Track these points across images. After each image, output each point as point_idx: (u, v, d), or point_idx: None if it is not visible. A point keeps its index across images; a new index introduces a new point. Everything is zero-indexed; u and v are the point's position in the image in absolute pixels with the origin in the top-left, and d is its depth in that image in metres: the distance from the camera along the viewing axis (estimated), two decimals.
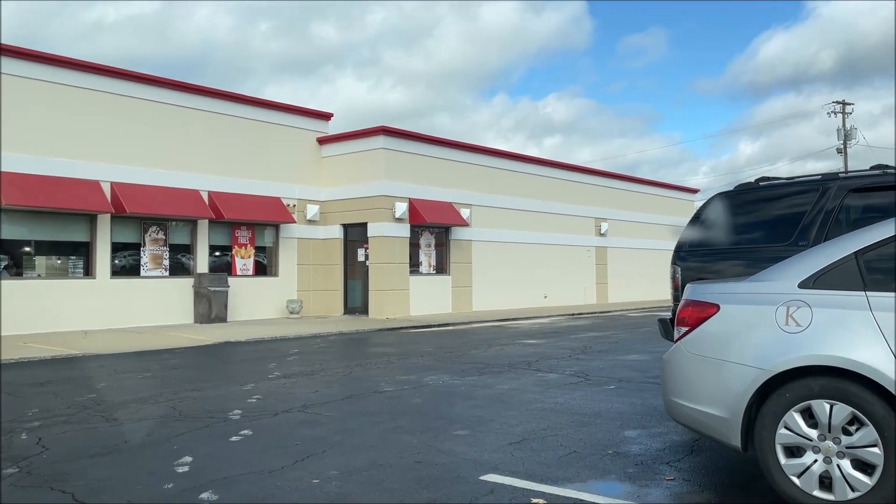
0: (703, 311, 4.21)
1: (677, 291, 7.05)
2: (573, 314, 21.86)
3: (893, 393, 3.42)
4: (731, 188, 7.38)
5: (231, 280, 18.06)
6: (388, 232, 19.67)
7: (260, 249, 19.66)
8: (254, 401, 7.40)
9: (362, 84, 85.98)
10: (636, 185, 31.12)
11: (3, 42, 14.83)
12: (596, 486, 4.39)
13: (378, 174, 19.78)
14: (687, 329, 4.27)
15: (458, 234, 22.04)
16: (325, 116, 21.30)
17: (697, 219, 7.40)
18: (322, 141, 20.96)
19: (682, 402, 4.26)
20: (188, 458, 5.07)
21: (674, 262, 7.33)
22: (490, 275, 23.00)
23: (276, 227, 19.75)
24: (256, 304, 19.06)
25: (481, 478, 4.56)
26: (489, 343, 13.36)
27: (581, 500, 4.12)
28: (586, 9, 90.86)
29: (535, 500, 4.10)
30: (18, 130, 14.76)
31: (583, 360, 10.60)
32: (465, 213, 21.88)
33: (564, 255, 26.28)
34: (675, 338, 4.40)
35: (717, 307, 4.14)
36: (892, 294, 3.60)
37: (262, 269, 19.68)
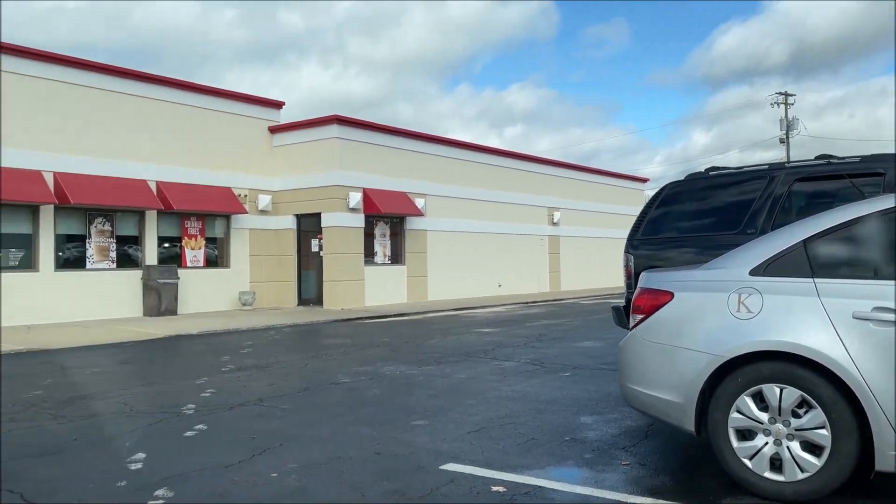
0: (658, 299, 4.29)
1: (630, 279, 7.18)
2: (527, 302, 22.07)
3: (840, 376, 3.55)
4: (682, 177, 7.52)
5: (181, 272, 17.67)
6: (343, 222, 19.50)
7: (211, 240, 19.26)
8: (207, 395, 7.26)
9: (326, 72, 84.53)
10: (588, 175, 31.52)
11: None
12: (554, 473, 4.45)
13: (332, 164, 19.58)
14: (642, 317, 4.35)
15: (413, 223, 21.99)
16: (277, 105, 20.95)
17: (649, 208, 7.53)
18: (274, 130, 20.62)
19: (638, 388, 4.34)
20: (141, 455, 4.96)
21: (627, 251, 7.45)
22: (445, 264, 23.03)
23: (227, 217, 19.38)
24: (208, 297, 18.71)
25: (441, 467, 4.57)
26: (445, 332, 13.40)
27: (540, 486, 4.17)
28: None
29: (495, 488, 4.13)
30: None
31: (538, 348, 10.71)
32: (419, 202, 21.84)
33: (518, 244, 26.48)
34: (631, 325, 4.47)
35: (672, 295, 4.22)
36: (838, 280, 3.72)
37: (213, 261, 19.29)
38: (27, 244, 15.49)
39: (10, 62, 15.04)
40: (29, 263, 15.45)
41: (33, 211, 15.43)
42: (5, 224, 15.17)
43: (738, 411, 3.85)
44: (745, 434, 3.86)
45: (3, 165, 14.62)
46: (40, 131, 15.44)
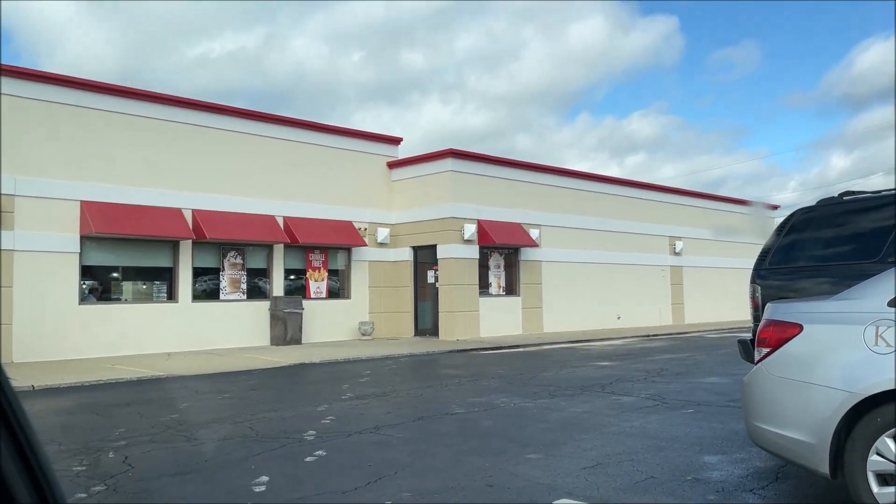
0: (785, 332, 4.04)
1: (757, 311, 6.82)
2: (647, 335, 21.33)
3: None
4: (813, 203, 7.11)
5: (305, 303, 18.46)
6: (457, 253, 19.73)
7: (333, 272, 20.05)
8: (328, 422, 7.51)
9: (446, 108, 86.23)
10: (712, 202, 30.24)
11: (106, 81, 16.02)
12: None
13: (446, 196, 19.92)
14: (768, 350, 4.11)
15: (527, 254, 21.91)
16: (395, 141, 21.66)
17: (777, 236, 7.15)
18: (392, 165, 21.30)
19: (765, 427, 4.09)
20: (265, 478, 5.18)
21: (753, 281, 7.10)
22: (560, 295, 22.73)
23: (349, 250, 20.11)
24: (330, 326, 19.40)
25: (555, 502, 4.47)
26: (561, 365, 13.17)
27: None
28: (678, 25, 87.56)
29: None
30: (106, 163, 15.60)
31: (659, 383, 10.31)
32: (534, 233, 21.75)
33: (638, 274, 25.73)
34: (756, 359, 4.24)
35: (801, 327, 3.97)
36: None
37: (335, 292, 20.05)
38: (168, 277, 16.74)
39: (152, 109, 16.49)
40: (170, 294, 16.68)
41: (174, 246, 16.68)
42: (150, 258, 16.50)
43: (879, 454, 3.54)
44: (887, 479, 3.54)
45: (145, 204, 15.95)
46: (180, 171, 16.74)
